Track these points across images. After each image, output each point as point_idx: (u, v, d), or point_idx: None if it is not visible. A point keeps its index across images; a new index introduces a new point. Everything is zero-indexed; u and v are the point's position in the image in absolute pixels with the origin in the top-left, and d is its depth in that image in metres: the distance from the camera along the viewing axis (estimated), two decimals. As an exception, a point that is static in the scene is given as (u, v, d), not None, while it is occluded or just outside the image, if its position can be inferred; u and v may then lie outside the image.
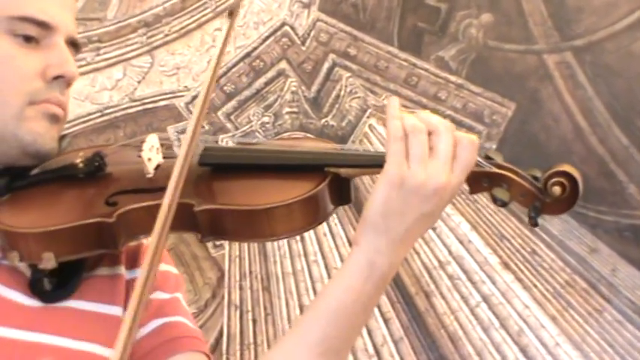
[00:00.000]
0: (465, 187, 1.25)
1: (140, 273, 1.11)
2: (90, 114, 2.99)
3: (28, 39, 1.27)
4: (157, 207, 1.15)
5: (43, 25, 1.28)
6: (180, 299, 1.37)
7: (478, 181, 1.25)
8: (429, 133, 1.21)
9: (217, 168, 1.29)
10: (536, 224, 1.25)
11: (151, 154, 1.28)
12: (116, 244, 1.23)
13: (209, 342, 2.73)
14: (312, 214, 1.24)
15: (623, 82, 2.49)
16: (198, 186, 1.25)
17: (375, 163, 1.24)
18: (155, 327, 1.31)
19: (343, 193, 1.29)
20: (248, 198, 1.23)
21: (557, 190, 1.22)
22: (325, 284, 1.28)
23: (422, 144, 1.20)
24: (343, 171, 1.27)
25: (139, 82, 3.00)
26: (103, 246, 1.24)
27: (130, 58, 3.03)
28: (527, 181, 1.24)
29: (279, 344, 1.29)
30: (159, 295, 1.33)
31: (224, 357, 2.74)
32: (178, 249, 2.82)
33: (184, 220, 1.21)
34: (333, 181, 1.25)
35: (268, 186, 1.25)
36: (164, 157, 1.29)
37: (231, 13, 1.43)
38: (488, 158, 1.25)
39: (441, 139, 1.20)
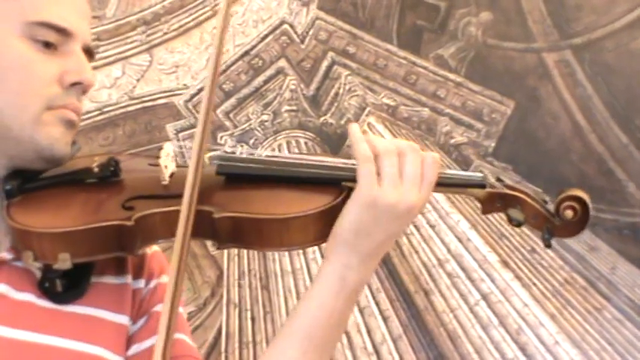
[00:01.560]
0: (478, 205, 1.30)
1: (167, 279, 1.13)
2: (89, 112, 2.99)
3: (47, 45, 1.28)
4: (173, 213, 1.18)
5: (63, 32, 1.28)
6: (182, 314, 1.37)
7: (492, 201, 1.30)
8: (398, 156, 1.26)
9: (234, 178, 1.31)
10: (549, 245, 1.29)
11: (167, 162, 1.31)
12: (133, 247, 1.25)
13: (208, 340, 2.73)
14: (328, 227, 1.27)
15: (623, 80, 2.49)
16: (216, 194, 1.28)
17: None
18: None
19: None
20: (266, 207, 1.26)
21: (569, 213, 1.28)
22: (299, 301, 1.31)
23: (394, 165, 1.24)
24: None
25: (138, 80, 3.00)
26: (119, 249, 1.25)
27: (129, 57, 3.03)
28: (538, 204, 1.29)
29: None
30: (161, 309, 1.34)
31: (223, 355, 2.74)
32: (177, 247, 2.82)
33: (203, 227, 1.23)
34: (349, 196, 1.28)
35: (286, 197, 1.28)
36: (177, 166, 1.32)
37: None
38: (499, 180, 1.30)
39: (408, 160, 1.25)
